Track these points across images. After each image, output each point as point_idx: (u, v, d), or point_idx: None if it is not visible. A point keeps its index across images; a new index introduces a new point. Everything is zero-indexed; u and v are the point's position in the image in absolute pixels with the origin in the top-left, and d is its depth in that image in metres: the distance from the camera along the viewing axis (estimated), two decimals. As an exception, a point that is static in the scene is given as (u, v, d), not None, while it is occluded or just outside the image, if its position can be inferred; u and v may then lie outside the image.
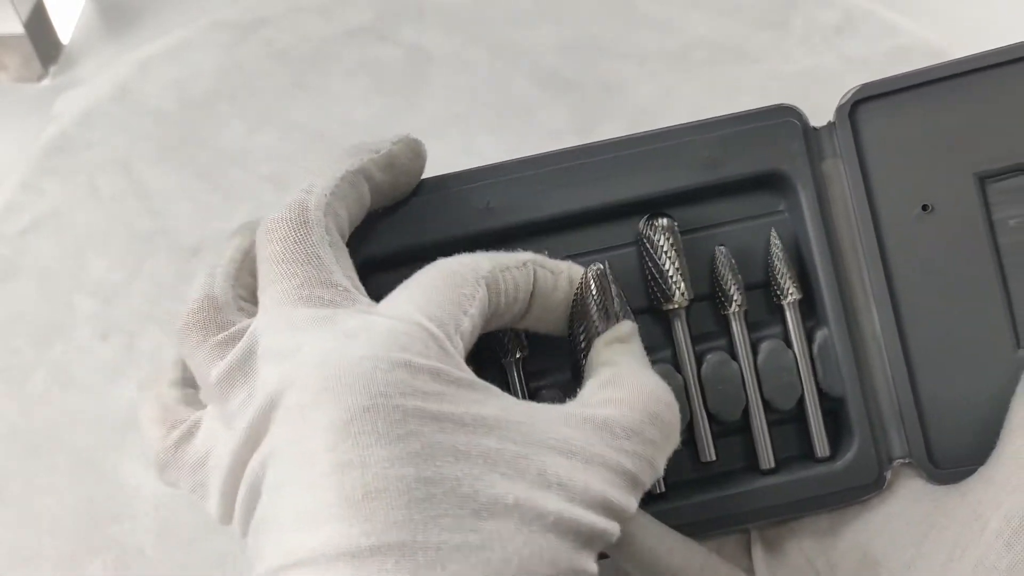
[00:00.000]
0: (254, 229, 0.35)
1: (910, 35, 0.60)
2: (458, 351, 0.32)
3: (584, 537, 0.31)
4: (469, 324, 0.33)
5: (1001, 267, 0.42)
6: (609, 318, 0.37)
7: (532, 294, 0.36)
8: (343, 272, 0.33)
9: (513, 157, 0.42)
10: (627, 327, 0.37)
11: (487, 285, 0.34)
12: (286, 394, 0.30)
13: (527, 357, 0.41)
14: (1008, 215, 0.42)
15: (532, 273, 0.36)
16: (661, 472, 0.35)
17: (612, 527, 0.32)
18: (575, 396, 0.35)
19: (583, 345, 0.37)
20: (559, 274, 0.37)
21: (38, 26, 0.68)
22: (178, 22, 0.66)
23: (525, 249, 0.39)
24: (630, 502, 0.32)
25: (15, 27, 0.66)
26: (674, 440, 0.35)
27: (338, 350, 0.30)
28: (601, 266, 0.38)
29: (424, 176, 0.41)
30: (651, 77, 0.60)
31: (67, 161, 0.59)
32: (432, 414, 0.29)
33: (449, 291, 0.33)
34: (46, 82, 0.69)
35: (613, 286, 0.37)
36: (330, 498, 0.28)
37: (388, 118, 0.59)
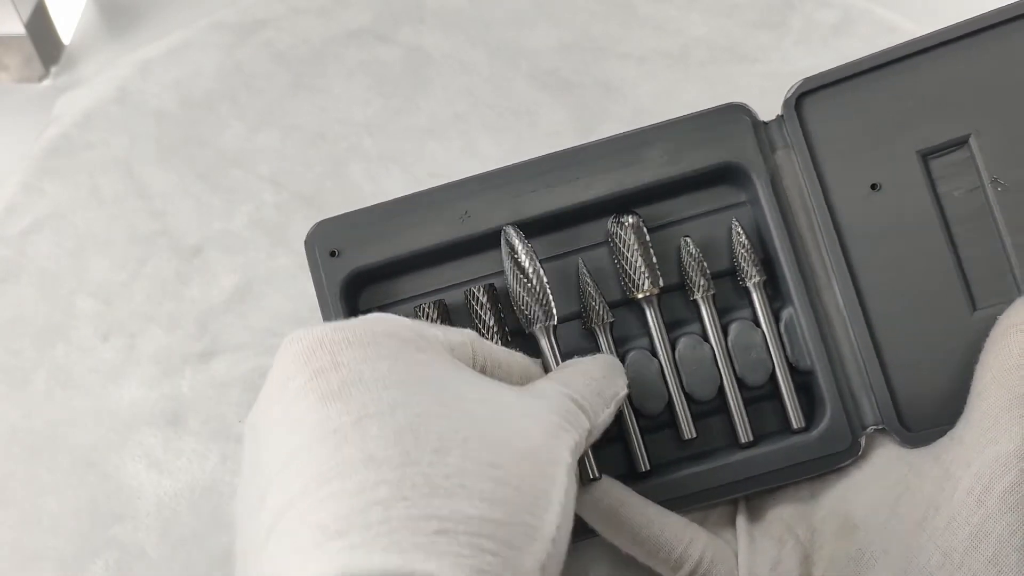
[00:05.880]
0: None
1: (908, 34, 0.60)
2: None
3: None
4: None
5: (950, 236, 0.45)
6: None
7: None
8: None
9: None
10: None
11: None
12: None
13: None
14: (952, 187, 0.45)
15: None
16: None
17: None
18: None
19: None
20: None
21: (39, 26, 0.68)
22: (178, 23, 0.66)
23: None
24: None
25: (16, 27, 0.66)
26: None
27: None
28: None
29: (408, 192, 0.46)
30: (651, 77, 0.60)
31: (68, 162, 0.59)
32: None
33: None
34: (47, 82, 0.69)
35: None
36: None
37: (388, 118, 0.59)
